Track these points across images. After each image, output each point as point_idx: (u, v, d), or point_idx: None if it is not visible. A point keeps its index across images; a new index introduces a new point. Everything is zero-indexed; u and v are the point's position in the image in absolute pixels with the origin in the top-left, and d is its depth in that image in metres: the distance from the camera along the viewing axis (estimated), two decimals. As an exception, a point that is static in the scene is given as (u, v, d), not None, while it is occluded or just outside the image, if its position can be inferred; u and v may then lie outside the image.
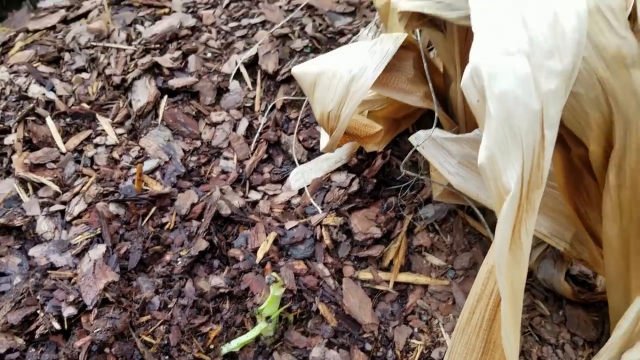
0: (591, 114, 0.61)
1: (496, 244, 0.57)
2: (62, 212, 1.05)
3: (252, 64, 1.21)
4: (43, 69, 1.26)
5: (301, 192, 1.07)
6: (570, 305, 0.96)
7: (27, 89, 1.22)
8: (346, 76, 0.79)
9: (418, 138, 0.85)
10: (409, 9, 0.68)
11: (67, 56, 1.27)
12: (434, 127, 0.80)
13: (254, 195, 1.07)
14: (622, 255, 0.74)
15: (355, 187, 1.02)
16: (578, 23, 0.55)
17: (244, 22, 1.27)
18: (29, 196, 1.08)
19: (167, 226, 1.00)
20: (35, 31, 1.40)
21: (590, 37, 0.57)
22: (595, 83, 0.59)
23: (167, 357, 0.88)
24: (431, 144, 0.83)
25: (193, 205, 1.02)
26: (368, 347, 0.88)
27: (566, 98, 0.56)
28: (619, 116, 0.60)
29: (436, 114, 0.79)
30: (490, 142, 0.55)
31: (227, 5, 1.33)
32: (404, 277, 0.95)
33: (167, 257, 0.96)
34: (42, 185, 1.08)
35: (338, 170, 1.07)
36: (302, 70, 0.84)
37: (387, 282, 0.94)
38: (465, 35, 0.75)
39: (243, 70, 1.20)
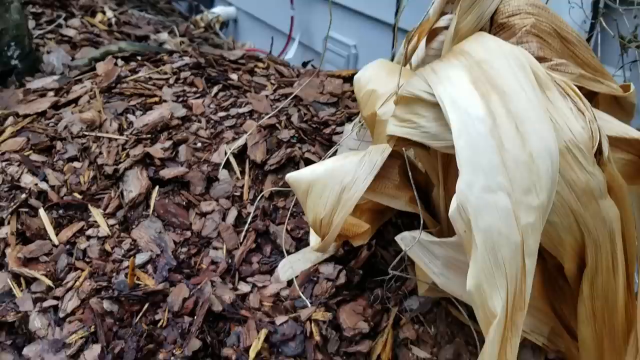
0: (565, 239, 0.66)
1: (483, 365, 0.61)
2: (56, 308, 1.06)
3: (240, 154, 1.26)
4: (35, 157, 1.29)
5: (290, 283, 1.10)
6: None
7: (19, 178, 1.25)
8: (338, 186, 0.84)
9: (404, 239, 0.89)
10: (397, 134, 0.73)
11: (59, 145, 1.30)
12: (420, 232, 0.85)
13: (243, 287, 1.09)
14: (597, 353, 0.79)
15: (342, 279, 1.06)
16: (551, 163, 0.61)
17: (233, 111, 1.33)
18: (22, 291, 1.09)
19: (160, 323, 1.02)
20: (25, 116, 1.44)
21: (562, 173, 0.63)
22: (568, 213, 0.64)
23: None
24: (416, 245, 0.87)
25: (185, 300, 1.04)
26: None
27: (542, 228, 0.62)
28: (590, 240, 0.66)
29: (422, 220, 0.84)
30: (477, 270, 0.60)
31: (216, 95, 1.38)
32: (392, 370, 0.98)
33: (161, 356, 0.98)
34: (34, 279, 1.10)
35: (325, 261, 1.10)
36: (295, 178, 0.89)
37: (376, 376, 0.97)
38: (447, 154, 0.81)
39: (232, 160, 1.24)
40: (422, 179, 0.95)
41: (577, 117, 0.64)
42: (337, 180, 0.85)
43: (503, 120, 0.63)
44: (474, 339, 1.02)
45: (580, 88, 0.70)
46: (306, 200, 0.89)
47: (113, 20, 2.56)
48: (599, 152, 0.66)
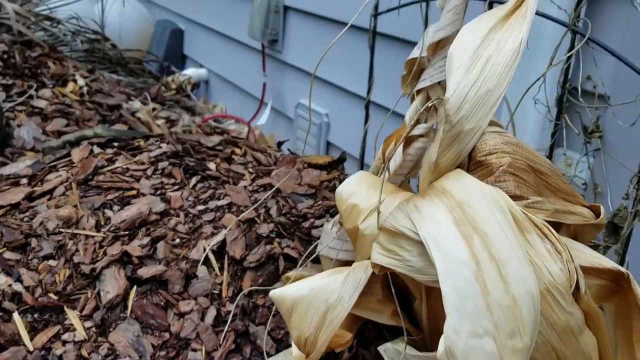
0: (547, 377, 0.69)
1: None
2: (29, 421, 1.03)
3: (219, 249, 1.26)
4: (9, 255, 1.27)
5: (271, 385, 1.09)
6: None
7: (-8, 278, 1.22)
8: (323, 305, 0.85)
9: (387, 351, 0.91)
10: (381, 264, 0.76)
11: (34, 242, 1.29)
12: (404, 347, 0.87)
13: (224, 391, 1.09)
14: None
15: (324, 382, 1.06)
16: (533, 305, 0.64)
17: (211, 204, 1.34)
18: (-8, 402, 1.06)
19: None
20: (-2, 207, 1.42)
21: (544, 314, 0.66)
22: (550, 350, 0.67)
23: None
24: (400, 358, 0.89)
25: (165, 409, 1.03)
26: None
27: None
28: (571, 376, 0.69)
29: (405, 333, 0.86)
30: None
31: (194, 186, 1.39)
32: None
33: None
34: (7, 389, 1.07)
35: (307, 363, 1.10)
36: (279, 295, 0.90)
37: None
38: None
39: (211, 256, 1.25)
40: (403, 290, 0.98)
41: (555, 259, 0.68)
42: (322, 299, 0.87)
43: (486, 263, 0.66)
44: None
45: (556, 224, 0.74)
46: (290, 318, 0.90)
47: (85, 89, 2.56)
48: (576, 289, 0.69)
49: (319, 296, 0.87)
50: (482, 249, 0.67)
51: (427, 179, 0.82)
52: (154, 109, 2.89)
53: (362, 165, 1.79)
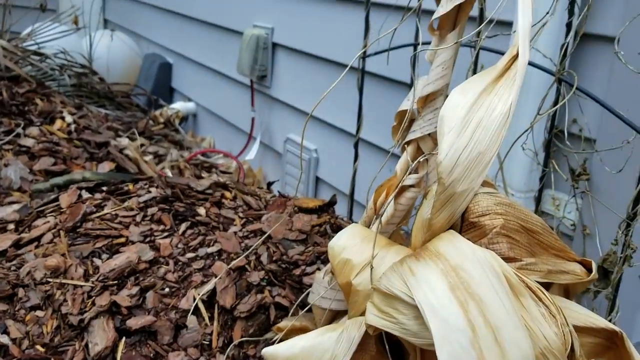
0: None
1: None
2: None
3: (209, 298, 1.25)
4: (-5, 306, 1.25)
5: None
6: None
7: (-24, 332, 1.20)
8: (316, 368, 0.84)
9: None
10: (376, 326, 0.75)
11: (21, 292, 1.26)
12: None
13: None
14: None
15: None
16: None
17: (201, 251, 1.33)
18: None
19: None
20: (-16, 254, 1.40)
21: None
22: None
23: None
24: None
25: None
26: None
27: None
28: None
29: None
30: None
31: (184, 233, 1.38)
32: None
33: None
34: None
35: (300, 416, 1.09)
36: (272, 353, 0.89)
37: None
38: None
39: (201, 306, 1.23)
40: (398, 342, 0.97)
41: (549, 323, 0.68)
42: (315, 358, 0.86)
43: (482, 329, 0.66)
44: None
45: (547, 285, 0.74)
46: (284, 377, 0.89)
47: (72, 126, 2.55)
48: (571, 351, 0.69)
49: (312, 355, 0.86)
50: (477, 315, 0.67)
51: (420, 236, 0.82)
52: (142, 145, 2.89)
53: (352, 204, 1.79)
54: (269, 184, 1.80)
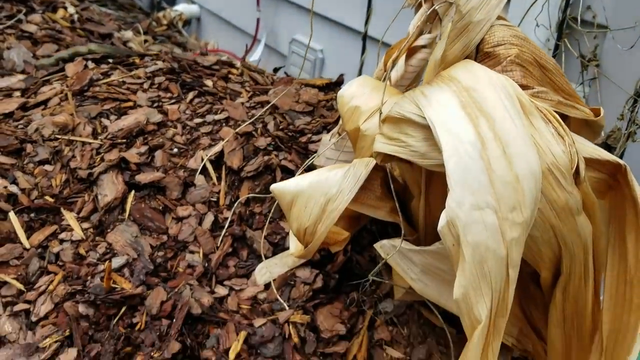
0: (544, 251, 0.72)
1: (467, 368, 0.66)
2: (27, 312, 1.05)
3: (217, 160, 1.27)
4: (3, 160, 1.26)
5: (267, 286, 1.12)
6: (515, 391, 1.06)
7: (-13, 180, 1.22)
8: (323, 198, 0.87)
9: (383, 247, 0.93)
10: (384, 152, 0.77)
11: (29, 147, 1.28)
12: (400, 241, 0.89)
13: (221, 291, 1.11)
14: (565, 355, 0.86)
15: (319, 283, 1.09)
16: (535, 183, 0.67)
17: (209, 118, 1.34)
18: (-9, 295, 1.07)
19: (137, 326, 1.02)
20: (-9, 116, 1.41)
21: (544, 192, 0.68)
22: (548, 228, 0.70)
23: None
24: (395, 253, 0.91)
25: (162, 303, 1.05)
26: None
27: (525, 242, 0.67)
28: (566, 252, 0.72)
29: (402, 231, 0.88)
30: (464, 281, 0.65)
31: (191, 101, 1.39)
32: (367, 372, 1.02)
33: (139, 359, 0.98)
34: (5, 283, 1.08)
35: (302, 265, 1.13)
36: (280, 189, 0.92)
37: (352, 377, 1.01)
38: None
39: (209, 166, 1.25)
40: (400, 190, 1.00)
41: (557, 141, 0.70)
42: (322, 192, 0.88)
43: (491, 143, 0.68)
44: (445, 340, 1.07)
45: (558, 113, 0.75)
46: (290, 211, 0.91)
47: (75, 16, 2.50)
48: (576, 173, 0.71)
49: (319, 189, 0.89)
50: (487, 130, 0.69)
51: (433, 71, 0.83)
52: (145, 41, 2.84)
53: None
54: (275, 69, 1.79)
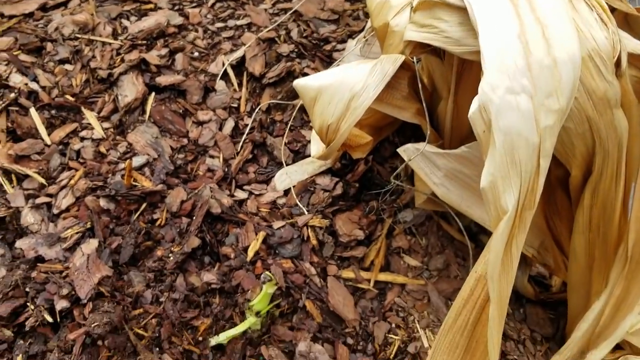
0: (577, 146, 0.69)
1: (491, 256, 0.64)
2: (49, 205, 1.06)
3: (238, 65, 1.25)
4: (24, 58, 1.25)
5: (286, 192, 1.12)
6: (529, 304, 1.06)
7: (7, 77, 1.21)
8: (347, 93, 0.85)
9: (407, 151, 0.91)
10: (415, 39, 0.74)
11: (49, 46, 1.26)
12: (425, 142, 0.87)
13: (240, 194, 1.11)
14: (587, 265, 0.84)
15: (339, 190, 1.08)
16: (573, 69, 0.63)
17: (230, 23, 1.30)
18: (13, 187, 1.08)
19: (157, 222, 1.03)
20: (11, 17, 1.38)
21: (583, 81, 0.65)
22: (584, 120, 0.67)
23: (158, 349, 0.91)
24: (419, 156, 0.90)
25: (183, 202, 1.05)
26: (350, 341, 0.94)
27: (559, 131, 0.64)
28: (600, 148, 0.70)
29: (428, 131, 0.86)
30: (493, 168, 0.62)
31: (213, 5, 1.35)
32: (383, 277, 1.02)
33: (159, 253, 0.99)
34: (26, 177, 1.09)
35: (322, 173, 1.12)
36: (304, 83, 0.89)
37: (368, 281, 1.01)
38: (463, 64, 0.82)
39: (230, 72, 1.23)
40: (427, 94, 0.97)
41: (601, 27, 0.66)
42: (347, 88, 0.86)
43: (531, 25, 0.65)
44: (464, 252, 1.07)
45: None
46: (313, 107, 0.89)
47: None
48: (617, 64, 0.68)
49: (344, 84, 0.86)
50: (527, 12, 0.65)
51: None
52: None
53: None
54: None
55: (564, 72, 0.64)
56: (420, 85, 0.89)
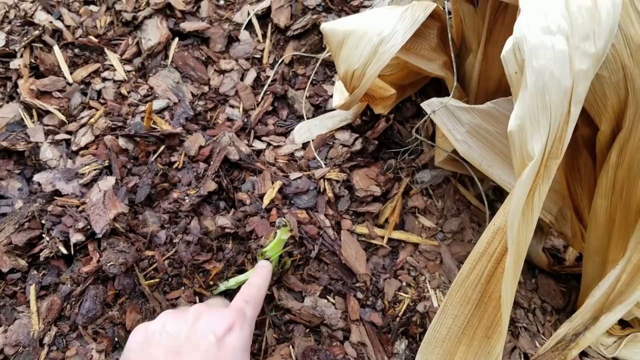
0: (609, 96, 0.67)
1: (512, 204, 0.63)
2: (68, 142, 1.06)
3: (263, 16, 1.23)
4: (50, -5, 1.24)
5: (304, 146, 1.11)
6: (542, 275, 1.05)
7: (32, 14, 1.20)
8: (375, 38, 0.83)
9: (431, 105, 0.90)
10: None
11: (75, -13, 1.26)
12: (451, 95, 0.86)
13: (258, 145, 1.10)
14: (606, 230, 0.83)
15: (358, 146, 1.07)
16: (613, 12, 0.61)
17: (258, -27, 1.29)
18: (33, 122, 1.08)
19: (175, 165, 1.03)
20: (38, -44, 1.37)
21: (621, 26, 0.63)
22: (619, 68, 0.65)
23: (169, 289, 0.92)
24: (443, 111, 0.88)
25: (201, 147, 1.05)
26: (360, 295, 0.94)
27: (592, 78, 0.62)
28: (633, 101, 0.67)
29: (455, 83, 0.84)
30: (522, 111, 0.61)
31: (241, -46, 1.33)
32: (397, 235, 1.01)
33: (174, 195, 0.99)
34: (47, 113, 1.09)
35: (342, 129, 1.11)
36: (331, 27, 0.88)
37: (382, 237, 1.00)
38: (496, 12, 0.80)
39: (255, 22, 1.22)
40: (455, 47, 0.95)
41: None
42: (376, 32, 0.84)
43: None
44: (479, 218, 1.06)
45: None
46: (339, 52, 0.88)
47: None
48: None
49: (372, 28, 0.84)
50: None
51: None
52: None
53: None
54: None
55: (603, 15, 0.61)
56: (449, 36, 0.87)
